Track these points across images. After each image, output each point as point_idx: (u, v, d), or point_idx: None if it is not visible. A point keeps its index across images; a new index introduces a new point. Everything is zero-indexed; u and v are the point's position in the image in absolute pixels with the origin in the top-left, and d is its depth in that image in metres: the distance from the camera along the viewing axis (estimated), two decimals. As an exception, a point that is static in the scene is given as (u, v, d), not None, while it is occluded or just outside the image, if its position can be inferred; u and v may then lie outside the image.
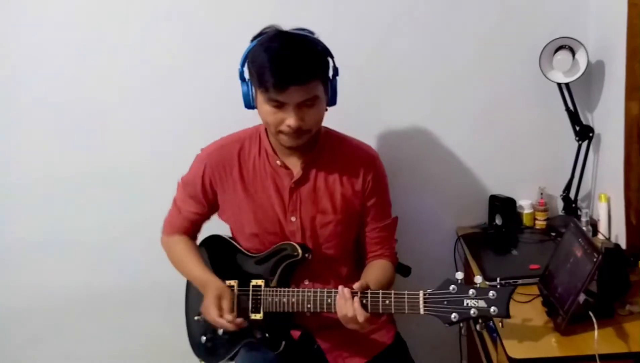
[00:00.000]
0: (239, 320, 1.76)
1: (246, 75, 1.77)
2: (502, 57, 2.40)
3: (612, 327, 1.65)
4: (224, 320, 1.74)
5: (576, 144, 2.34)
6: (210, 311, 1.76)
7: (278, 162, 1.87)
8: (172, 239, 2.03)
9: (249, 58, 1.72)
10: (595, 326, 1.55)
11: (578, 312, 1.60)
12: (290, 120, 1.68)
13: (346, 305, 1.64)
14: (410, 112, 2.47)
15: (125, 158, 2.53)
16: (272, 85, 1.62)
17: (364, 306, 1.63)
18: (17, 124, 2.50)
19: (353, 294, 1.64)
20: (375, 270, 1.91)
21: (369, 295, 1.65)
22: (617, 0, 2.00)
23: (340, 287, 1.67)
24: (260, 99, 1.71)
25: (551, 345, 1.62)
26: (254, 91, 1.76)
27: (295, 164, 1.88)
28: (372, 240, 1.96)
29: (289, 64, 1.62)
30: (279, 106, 1.68)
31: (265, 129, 1.87)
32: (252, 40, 1.76)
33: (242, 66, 1.76)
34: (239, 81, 1.80)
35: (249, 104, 1.79)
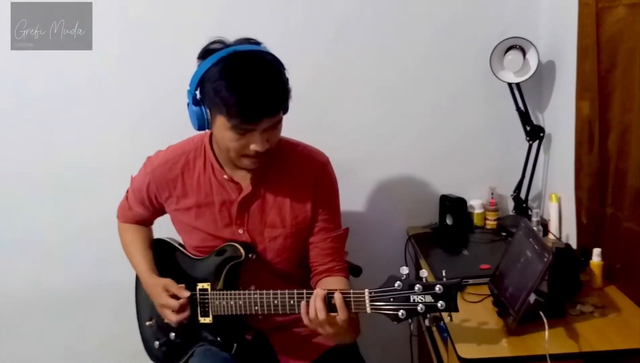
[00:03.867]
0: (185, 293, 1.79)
1: (198, 96, 1.62)
2: (453, 57, 2.41)
3: (563, 327, 1.65)
4: (183, 299, 1.77)
5: (527, 144, 2.35)
6: (165, 304, 1.79)
7: (225, 176, 1.80)
8: (123, 226, 2.07)
9: (207, 85, 1.58)
10: (546, 326, 1.55)
11: (529, 312, 1.60)
12: (256, 145, 1.61)
13: (323, 305, 1.53)
14: (361, 113, 2.47)
15: (75, 158, 2.50)
16: (243, 119, 1.55)
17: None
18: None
19: (329, 293, 1.55)
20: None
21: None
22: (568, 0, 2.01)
23: (317, 289, 1.57)
24: (220, 125, 1.60)
25: (502, 345, 1.61)
26: (209, 114, 1.62)
27: (243, 178, 1.81)
28: (323, 251, 1.87)
29: (260, 100, 1.54)
30: (244, 132, 1.60)
31: (210, 140, 1.80)
32: (200, 58, 1.62)
33: (194, 89, 1.61)
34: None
35: (203, 127, 1.66)
